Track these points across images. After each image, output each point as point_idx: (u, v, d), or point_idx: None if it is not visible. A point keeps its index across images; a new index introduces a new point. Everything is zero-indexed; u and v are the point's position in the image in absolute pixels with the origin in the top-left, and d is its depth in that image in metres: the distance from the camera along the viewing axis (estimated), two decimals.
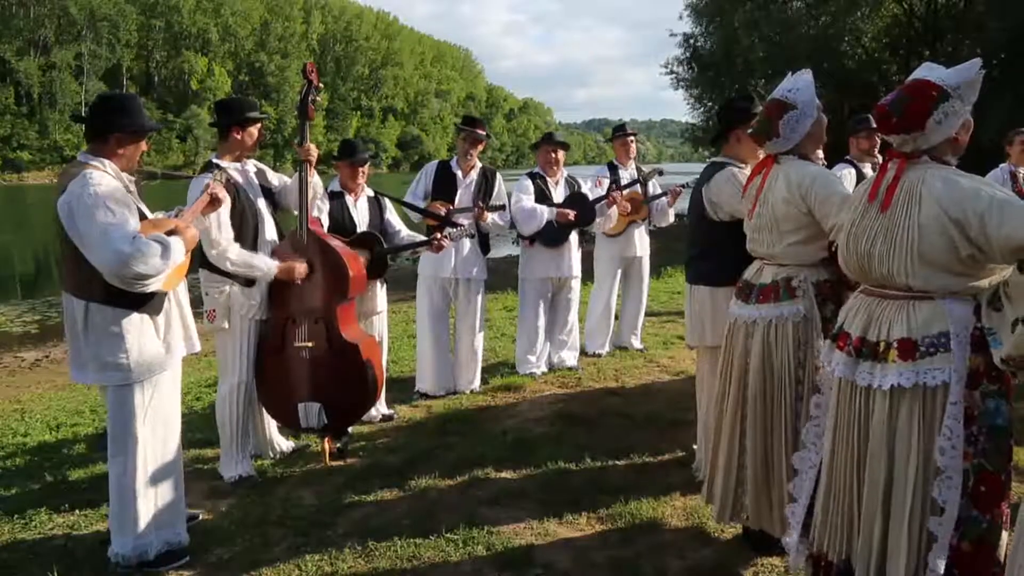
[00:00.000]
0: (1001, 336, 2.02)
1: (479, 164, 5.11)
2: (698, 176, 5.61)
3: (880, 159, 4.83)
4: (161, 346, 2.91)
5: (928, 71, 2.20)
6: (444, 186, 5.00)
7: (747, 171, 3.15)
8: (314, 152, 3.78)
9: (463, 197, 4.98)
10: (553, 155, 5.39)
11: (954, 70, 2.17)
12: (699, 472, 3.35)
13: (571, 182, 5.51)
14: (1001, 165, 5.76)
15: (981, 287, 2.13)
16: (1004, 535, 2.14)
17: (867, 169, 4.76)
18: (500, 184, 5.16)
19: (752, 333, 2.82)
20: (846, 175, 4.64)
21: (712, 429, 3.06)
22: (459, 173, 5.02)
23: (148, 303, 2.84)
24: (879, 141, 4.91)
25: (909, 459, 2.12)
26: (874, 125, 4.93)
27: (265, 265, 3.62)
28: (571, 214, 5.22)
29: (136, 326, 2.82)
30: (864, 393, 2.23)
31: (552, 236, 5.26)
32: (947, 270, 2.11)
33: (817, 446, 2.48)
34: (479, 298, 5.14)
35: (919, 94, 2.15)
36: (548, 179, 5.39)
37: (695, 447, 3.73)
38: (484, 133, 5.11)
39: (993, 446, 2.11)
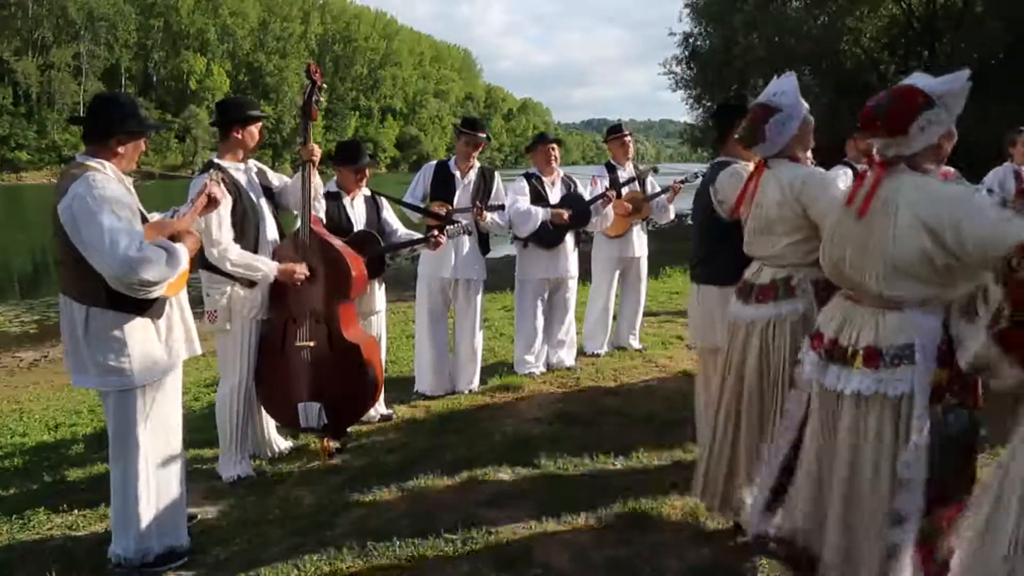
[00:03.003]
0: (970, 343, 2.02)
1: (477, 164, 5.10)
2: (696, 171, 5.63)
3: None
4: (163, 350, 2.90)
5: (916, 79, 2.22)
6: (443, 187, 4.99)
7: (751, 168, 3.12)
8: (317, 152, 3.78)
9: (462, 197, 4.97)
10: (553, 152, 5.40)
11: (941, 79, 2.19)
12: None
13: (567, 182, 5.51)
14: (1004, 164, 5.77)
15: (951, 298, 2.13)
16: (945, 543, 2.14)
17: (833, 171, 4.75)
18: (499, 183, 5.16)
19: (751, 333, 2.82)
20: (842, 176, 4.64)
21: (709, 427, 3.07)
22: (457, 174, 5.02)
23: (150, 307, 2.82)
24: None
25: (874, 468, 2.16)
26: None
27: (266, 266, 3.61)
28: (566, 214, 5.23)
29: (138, 330, 2.81)
30: (834, 397, 2.27)
31: (547, 237, 5.26)
32: (920, 280, 2.13)
33: (784, 440, 2.50)
34: (478, 298, 5.14)
35: (905, 99, 2.17)
36: (544, 179, 5.39)
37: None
38: (485, 136, 5.10)
39: (947, 455, 2.13)
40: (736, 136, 2.95)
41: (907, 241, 2.11)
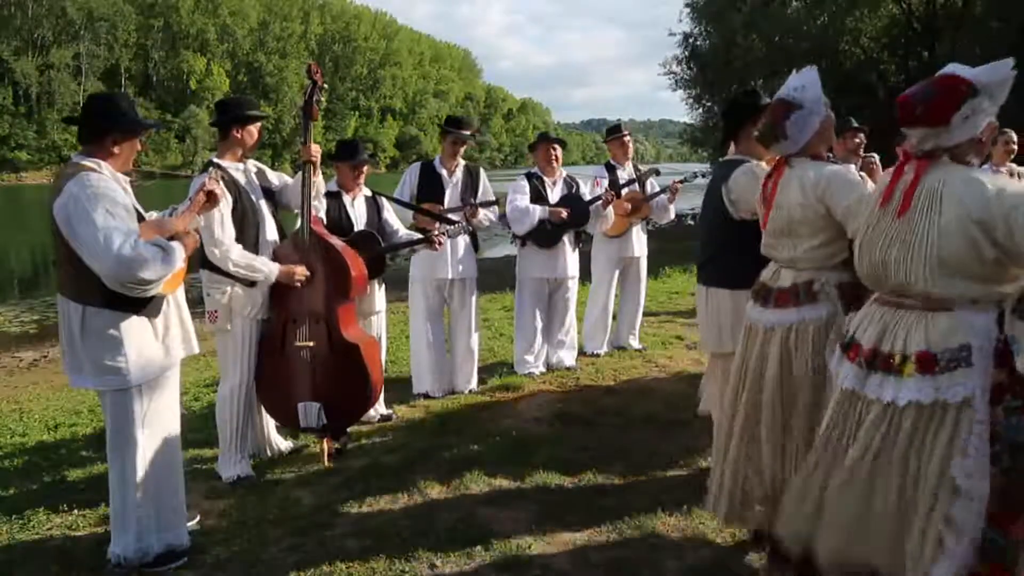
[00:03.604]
0: None
1: (462, 162, 5.09)
2: (696, 171, 5.58)
3: (876, 158, 4.84)
4: (160, 349, 2.89)
5: (956, 68, 2.12)
6: (431, 187, 4.96)
7: (764, 165, 3.01)
8: (317, 152, 3.78)
9: (452, 196, 4.96)
10: (553, 152, 5.40)
11: (985, 68, 2.09)
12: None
13: (570, 182, 5.51)
14: (983, 166, 5.74)
15: (1004, 294, 2.03)
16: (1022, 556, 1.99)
17: (851, 169, 4.72)
18: (485, 180, 5.15)
19: (770, 339, 2.68)
20: None
21: (722, 435, 2.90)
22: (444, 172, 4.99)
23: (147, 306, 2.81)
24: (864, 140, 4.90)
25: (923, 477, 2.02)
26: (856, 125, 4.93)
27: (267, 268, 3.61)
28: (564, 213, 5.23)
29: (135, 329, 2.80)
30: (867, 405, 2.15)
31: (545, 237, 5.26)
32: (969, 276, 2.02)
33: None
34: (473, 298, 5.13)
35: (947, 87, 2.07)
36: (545, 179, 5.39)
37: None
38: (469, 133, 5.08)
39: (1018, 464, 1.98)
40: (754, 134, 2.81)
41: (955, 235, 2.00)
